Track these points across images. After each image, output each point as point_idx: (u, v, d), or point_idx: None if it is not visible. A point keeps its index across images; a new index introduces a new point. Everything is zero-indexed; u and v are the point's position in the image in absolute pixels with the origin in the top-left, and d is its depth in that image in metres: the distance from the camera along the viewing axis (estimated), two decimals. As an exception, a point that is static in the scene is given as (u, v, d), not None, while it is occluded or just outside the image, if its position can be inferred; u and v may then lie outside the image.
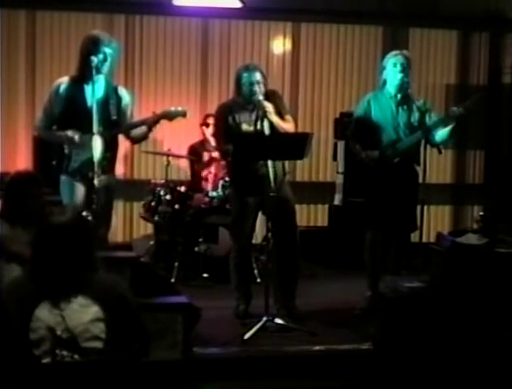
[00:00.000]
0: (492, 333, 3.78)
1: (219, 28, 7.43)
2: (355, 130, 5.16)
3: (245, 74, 4.78)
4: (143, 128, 4.70)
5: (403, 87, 4.98)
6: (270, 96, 4.80)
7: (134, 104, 5.02)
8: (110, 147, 4.61)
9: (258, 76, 4.77)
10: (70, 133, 4.53)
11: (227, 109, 4.93)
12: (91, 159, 4.46)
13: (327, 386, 4.12)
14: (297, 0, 7.26)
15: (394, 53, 5.08)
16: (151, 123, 4.65)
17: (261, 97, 4.72)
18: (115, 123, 4.63)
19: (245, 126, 4.82)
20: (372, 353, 4.18)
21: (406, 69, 4.96)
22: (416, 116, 5.00)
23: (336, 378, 4.12)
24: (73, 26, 7.11)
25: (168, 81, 7.37)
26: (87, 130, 4.48)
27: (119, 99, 4.67)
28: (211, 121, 6.44)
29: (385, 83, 5.04)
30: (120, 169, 6.99)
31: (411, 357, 3.81)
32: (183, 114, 4.73)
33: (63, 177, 4.61)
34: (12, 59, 7.05)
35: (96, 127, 4.41)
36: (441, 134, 4.92)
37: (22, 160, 6.86)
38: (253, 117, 4.80)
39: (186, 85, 7.41)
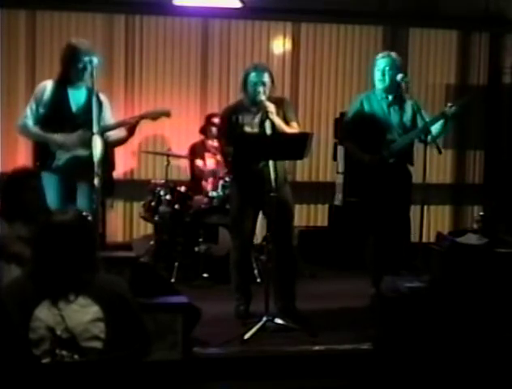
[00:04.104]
0: (492, 333, 3.78)
1: (219, 28, 7.43)
2: (348, 130, 5.21)
3: (252, 74, 4.77)
4: (120, 133, 4.82)
5: (389, 89, 5.02)
6: (278, 103, 4.78)
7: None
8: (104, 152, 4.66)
9: (265, 77, 4.76)
10: (57, 137, 4.64)
11: (232, 110, 4.94)
12: (74, 158, 4.63)
13: (327, 386, 4.12)
14: (297, 0, 7.25)
15: (381, 54, 5.14)
16: (132, 124, 4.77)
17: (263, 97, 4.72)
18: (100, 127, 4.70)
19: (247, 129, 4.82)
20: (372, 353, 4.18)
21: (391, 70, 5.00)
22: (408, 115, 5.06)
23: (336, 378, 4.12)
24: (73, 26, 7.11)
25: (168, 81, 7.36)
26: (69, 132, 4.64)
27: (100, 104, 4.75)
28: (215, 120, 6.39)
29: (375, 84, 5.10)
30: (120, 169, 7.05)
31: (411, 357, 3.82)
32: (167, 114, 4.84)
33: (47, 175, 4.63)
34: (12, 59, 7.05)
35: (95, 128, 4.45)
36: (435, 129, 4.93)
37: (22, 160, 6.84)
38: (257, 119, 4.80)
39: (186, 85, 7.40)
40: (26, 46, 7.12)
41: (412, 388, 3.81)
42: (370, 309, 4.87)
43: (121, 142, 4.96)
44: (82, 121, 4.62)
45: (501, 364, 3.71)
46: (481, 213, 4.80)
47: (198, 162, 6.46)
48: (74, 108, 4.71)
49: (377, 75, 5.05)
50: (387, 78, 5.01)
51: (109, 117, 4.84)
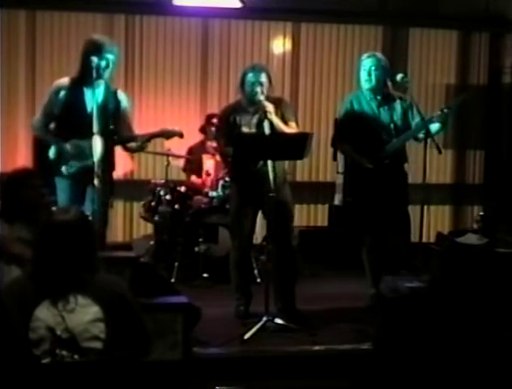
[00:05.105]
0: (491, 333, 3.78)
1: (219, 28, 7.43)
2: (342, 132, 5.22)
3: (250, 74, 4.78)
4: (132, 143, 4.77)
5: (376, 89, 5.03)
6: (276, 103, 4.78)
7: (132, 107, 5.04)
8: (107, 153, 4.59)
9: (262, 77, 4.77)
10: (68, 146, 4.56)
11: (230, 110, 4.95)
12: (85, 167, 4.49)
13: (327, 386, 4.12)
14: (297, 0, 7.26)
15: (366, 55, 5.14)
16: (146, 140, 4.73)
17: (262, 97, 4.72)
18: (113, 129, 4.61)
19: (245, 129, 4.82)
20: (372, 353, 4.18)
21: (376, 70, 5.00)
22: (398, 114, 5.07)
23: (336, 378, 4.12)
24: (73, 26, 7.11)
25: (168, 81, 7.36)
26: (84, 135, 4.47)
27: (118, 103, 4.67)
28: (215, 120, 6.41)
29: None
30: (120, 170, 7.04)
31: (410, 357, 3.82)
32: (180, 135, 4.80)
33: (59, 179, 4.62)
34: (12, 59, 7.05)
35: (96, 128, 4.37)
36: (433, 128, 4.93)
37: (22, 160, 6.85)
38: (255, 120, 4.81)
39: (186, 85, 7.40)
40: (26, 46, 7.12)
41: (412, 388, 3.81)
42: (370, 309, 4.87)
43: (131, 151, 5.02)
44: (98, 122, 4.42)
45: (501, 364, 3.71)
46: (481, 213, 4.81)
47: (193, 177, 6.49)
48: (89, 108, 4.54)
49: (363, 76, 5.05)
50: (373, 78, 5.01)
51: (128, 116, 4.76)
